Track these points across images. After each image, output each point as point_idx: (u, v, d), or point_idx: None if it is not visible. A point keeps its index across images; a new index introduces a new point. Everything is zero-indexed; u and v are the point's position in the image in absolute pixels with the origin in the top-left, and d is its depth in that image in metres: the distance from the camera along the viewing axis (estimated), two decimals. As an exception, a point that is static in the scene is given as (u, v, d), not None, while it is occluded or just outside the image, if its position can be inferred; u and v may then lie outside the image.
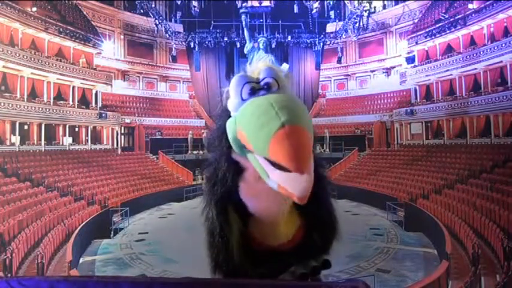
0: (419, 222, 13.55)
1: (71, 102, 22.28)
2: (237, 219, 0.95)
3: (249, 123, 0.77)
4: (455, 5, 23.25)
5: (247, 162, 0.84)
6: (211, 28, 29.62)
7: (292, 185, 0.73)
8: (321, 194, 0.99)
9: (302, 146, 0.71)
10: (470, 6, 21.55)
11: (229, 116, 0.87)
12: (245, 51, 26.81)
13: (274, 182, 0.76)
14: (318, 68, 31.93)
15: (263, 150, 0.73)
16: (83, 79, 22.83)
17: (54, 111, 20.57)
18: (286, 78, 0.91)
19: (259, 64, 0.93)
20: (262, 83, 0.86)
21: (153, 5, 27.86)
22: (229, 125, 0.84)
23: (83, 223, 12.71)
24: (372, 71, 31.06)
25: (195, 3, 27.27)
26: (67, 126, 21.52)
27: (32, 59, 19.33)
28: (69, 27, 22.08)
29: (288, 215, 0.95)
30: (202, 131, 28.11)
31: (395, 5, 29.38)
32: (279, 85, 0.86)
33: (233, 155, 0.88)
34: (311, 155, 0.74)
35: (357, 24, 27.99)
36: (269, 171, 0.76)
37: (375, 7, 29.11)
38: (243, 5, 26.64)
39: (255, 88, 0.85)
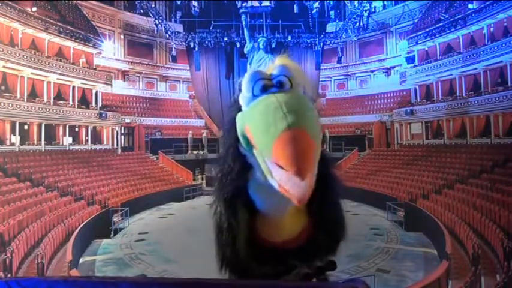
0: (419, 222, 13.54)
1: (71, 102, 22.26)
2: (245, 214, 0.95)
3: (256, 122, 0.78)
4: (455, 5, 23.23)
5: (253, 158, 0.85)
6: (211, 28, 29.64)
7: (293, 187, 0.73)
8: (329, 194, 0.98)
9: (304, 152, 0.71)
10: (470, 6, 21.55)
11: (240, 109, 0.87)
12: (245, 51, 26.78)
13: (275, 181, 0.77)
14: (318, 68, 31.90)
15: (267, 151, 0.74)
16: (83, 79, 22.81)
17: (54, 111, 20.56)
18: (301, 77, 0.90)
19: (276, 60, 0.92)
20: (274, 81, 0.86)
21: (153, 5, 27.84)
22: (238, 119, 0.85)
23: (83, 223, 12.70)
24: (372, 71, 31.06)
25: (195, 3, 27.26)
26: (67, 126, 21.51)
27: (32, 59, 19.31)
28: (69, 27, 22.07)
29: (294, 213, 0.94)
30: (202, 131, 28.13)
31: (395, 5, 29.38)
32: (292, 84, 0.86)
33: (241, 149, 0.88)
34: (313, 160, 0.74)
35: (357, 24, 27.97)
36: (272, 170, 0.76)
37: (375, 7, 29.10)
38: (243, 5, 26.62)
39: (267, 85, 0.86)
